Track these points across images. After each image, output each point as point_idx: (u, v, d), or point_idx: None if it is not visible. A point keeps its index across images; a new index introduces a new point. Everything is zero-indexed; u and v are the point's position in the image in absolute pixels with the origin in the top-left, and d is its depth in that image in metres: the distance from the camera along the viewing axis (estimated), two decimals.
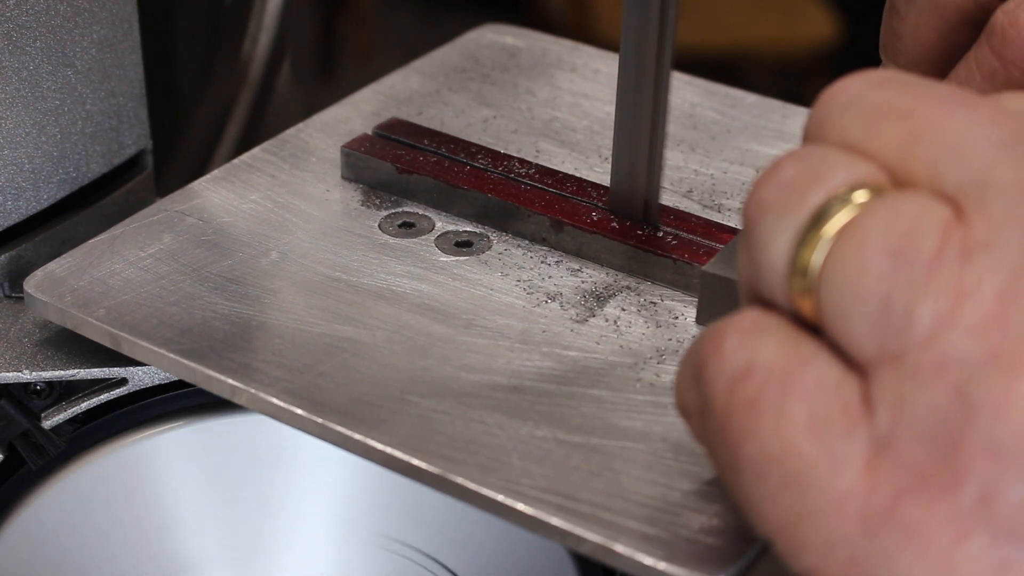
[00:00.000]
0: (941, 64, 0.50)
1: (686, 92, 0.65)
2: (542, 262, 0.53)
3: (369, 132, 0.59)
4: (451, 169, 0.57)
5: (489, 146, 0.59)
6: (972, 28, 0.49)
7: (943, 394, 0.32)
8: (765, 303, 0.36)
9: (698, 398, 0.37)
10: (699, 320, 0.50)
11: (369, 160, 0.57)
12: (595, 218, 0.54)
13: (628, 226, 0.53)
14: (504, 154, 0.58)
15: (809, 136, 0.37)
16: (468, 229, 0.55)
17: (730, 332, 0.36)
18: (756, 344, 0.35)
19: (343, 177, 0.58)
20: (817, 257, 0.34)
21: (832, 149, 0.36)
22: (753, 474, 0.35)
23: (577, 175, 0.57)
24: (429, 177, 0.56)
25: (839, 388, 0.34)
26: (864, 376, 0.34)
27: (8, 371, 0.51)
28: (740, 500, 0.36)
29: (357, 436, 0.44)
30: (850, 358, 0.34)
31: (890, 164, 0.35)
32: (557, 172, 0.57)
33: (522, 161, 0.57)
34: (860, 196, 0.34)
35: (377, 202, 0.56)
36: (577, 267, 0.53)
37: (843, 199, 0.35)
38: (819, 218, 0.35)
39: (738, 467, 0.35)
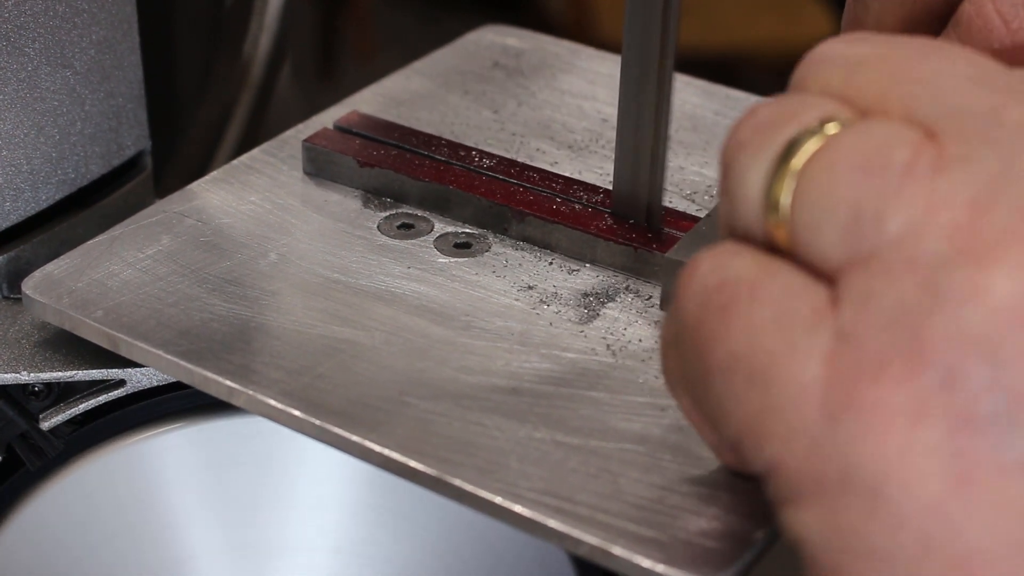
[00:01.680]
0: None
1: (686, 93, 0.64)
2: (541, 263, 0.53)
3: (330, 127, 0.59)
4: (412, 162, 0.57)
5: (489, 148, 0.59)
6: (936, 21, 0.49)
7: (910, 286, 0.32)
8: (743, 239, 0.37)
9: (674, 328, 0.38)
10: (663, 306, 0.50)
11: (331, 154, 0.57)
12: (560, 210, 0.54)
13: (630, 227, 0.53)
14: (465, 146, 0.58)
15: (791, 92, 0.38)
16: (467, 231, 0.55)
17: (705, 259, 0.37)
18: (730, 264, 0.36)
19: (305, 172, 0.58)
20: (788, 186, 0.35)
21: (808, 94, 0.37)
22: (721, 376, 0.35)
23: (533, 165, 0.57)
24: (391, 170, 0.56)
25: (805, 292, 0.35)
26: (832, 284, 0.34)
27: (6, 372, 0.51)
28: (709, 407, 0.36)
29: (355, 438, 0.44)
30: (819, 271, 0.35)
31: (867, 106, 0.36)
32: (518, 163, 0.57)
33: (483, 153, 0.57)
34: (831, 128, 0.35)
35: (376, 204, 0.56)
36: (576, 268, 0.53)
37: (813, 132, 0.35)
38: (791, 150, 0.35)
39: (708, 372, 0.36)
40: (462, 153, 0.57)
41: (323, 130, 0.59)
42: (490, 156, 0.57)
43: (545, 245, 0.54)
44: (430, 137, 0.58)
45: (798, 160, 0.35)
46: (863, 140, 0.34)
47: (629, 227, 0.53)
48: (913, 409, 0.32)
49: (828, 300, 0.34)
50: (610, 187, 0.54)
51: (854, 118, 0.36)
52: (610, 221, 0.53)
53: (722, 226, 0.38)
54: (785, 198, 0.35)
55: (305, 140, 0.58)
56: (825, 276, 0.35)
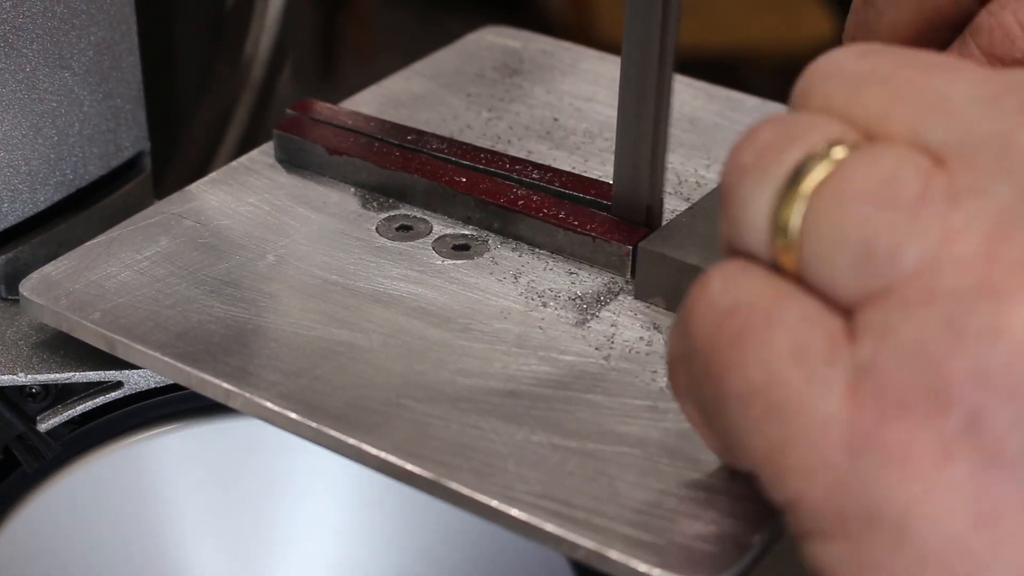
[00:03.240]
0: None
1: (687, 95, 0.64)
2: (539, 266, 0.53)
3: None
4: (381, 150, 0.57)
5: (488, 148, 0.58)
6: (949, 30, 0.48)
7: (930, 321, 0.32)
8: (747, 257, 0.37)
9: (684, 345, 0.37)
10: (637, 295, 0.51)
11: (301, 142, 0.57)
12: (520, 195, 0.54)
13: (629, 229, 0.53)
14: (436, 135, 0.58)
15: (793, 106, 0.37)
16: (466, 232, 0.55)
17: (715, 277, 0.36)
18: (741, 285, 0.35)
19: (276, 159, 0.58)
20: (797, 212, 0.34)
21: (810, 113, 0.36)
22: (738, 406, 0.35)
23: (505, 153, 0.57)
24: (359, 159, 0.56)
25: (822, 320, 0.34)
26: (847, 314, 0.34)
27: (4, 374, 0.50)
28: (725, 435, 0.36)
29: (351, 441, 0.44)
30: (831, 299, 0.34)
31: (870, 127, 0.35)
32: (486, 151, 0.57)
33: (453, 142, 0.57)
34: (838, 152, 0.35)
35: (375, 205, 0.56)
36: (574, 271, 0.53)
37: (820, 156, 0.35)
38: (797, 176, 0.35)
39: (723, 401, 0.35)
40: (434, 143, 0.57)
41: (295, 118, 0.59)
42: (457, 144, 0.57)
43: (516, 236, 0.54)
44: (403, 127, 0.58)
45: (807, 185, 0.34)
46: (872, 169, 0.33)
47: (631, 229, 0.53)
48: (938, 449, 0.32)
49: (844, 330, 0.34)
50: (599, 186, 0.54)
51: (860, 141, 0.35)
52: (572, 217, 0.53)
53: (723, 248, 0.37)
54: (795, 223, 0.34)
55: (276, 127, 0.58)
56: (838, 306, 0.34)
